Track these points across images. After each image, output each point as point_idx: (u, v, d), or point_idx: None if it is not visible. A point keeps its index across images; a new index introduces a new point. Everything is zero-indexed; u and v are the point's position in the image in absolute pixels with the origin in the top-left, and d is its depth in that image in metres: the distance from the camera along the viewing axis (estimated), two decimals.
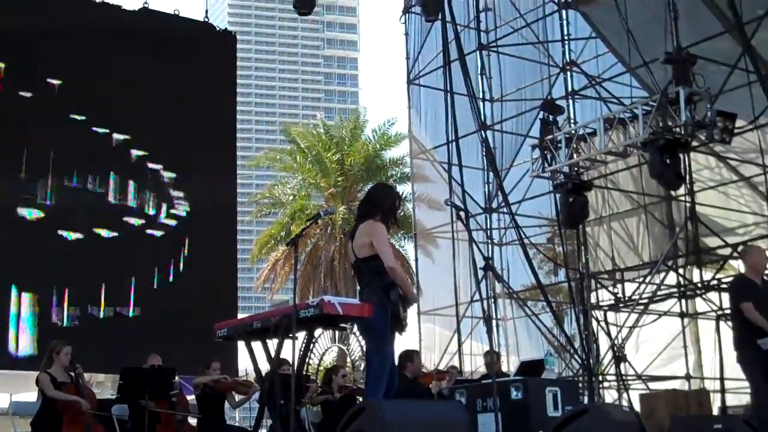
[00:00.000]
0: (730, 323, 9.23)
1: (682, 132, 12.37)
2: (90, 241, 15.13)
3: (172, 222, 16.15)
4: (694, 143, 13.73)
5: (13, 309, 14.21)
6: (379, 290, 6.45)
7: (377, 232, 6.59)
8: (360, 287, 6.80)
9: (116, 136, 15.83)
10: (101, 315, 14.90)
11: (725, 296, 12.87)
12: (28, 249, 14.52)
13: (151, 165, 16.14)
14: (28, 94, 15.01)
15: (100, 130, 15.66)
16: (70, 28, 15.24)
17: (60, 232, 14.94)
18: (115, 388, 9.13)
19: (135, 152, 16.02)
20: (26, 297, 14.37)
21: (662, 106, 12.22)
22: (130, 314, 15.19)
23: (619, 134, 13.46)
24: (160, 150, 16.17)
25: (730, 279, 13.44)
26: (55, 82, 15.33)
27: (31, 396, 9.07)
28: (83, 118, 15.43)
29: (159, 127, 16.11)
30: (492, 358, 10.70)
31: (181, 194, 16.33)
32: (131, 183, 15.87)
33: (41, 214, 14.82)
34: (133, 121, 15.86)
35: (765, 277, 8.46)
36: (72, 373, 8.60)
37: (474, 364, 16.09)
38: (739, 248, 14.29)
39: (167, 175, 16.29)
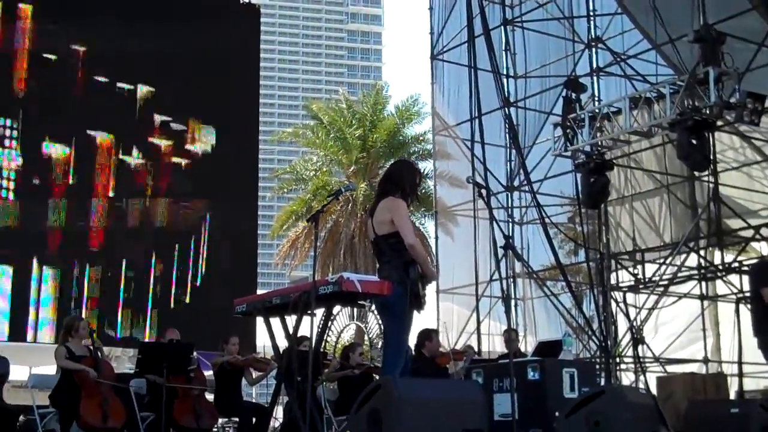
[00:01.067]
0: (749, 306, 9.15)
1: (710, 113, 12.22)
2: (111, 216, 15.20)
3: (195, 195, 16.21)
4: (719, 123, 13.58)
5: (34, 283, 14.33)
6: (398, 267, 6.42)
7: (398, 209, 6.55)
8: (379, 264, 6.77)
9: (139, 107, 15.89)
10: (121, 290, 14.99)
11: (746, 279, 12.77)
12: (51, 223, 14.61)
13: (175, 132, 16.19)
14: (53, 57, 15.10)
15: (125, 88, 15.71)
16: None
17: (81, 205, 15.02)
18: (134, 362, 9.17)
19: (158, 123, 16.07)
20: (47, 270, 14.48)
21: (691, 86, 12.06)
22: (151, 288, 15.28)
23: (643, 113, 13.33)
24: (182, 124, 16.22)
25: (751, 261, 13.36)
26: (80, 48, 15.41)
27: (50, 369, 9.13)
28: (107, 82, 15.52)
29: (182, 100, 16.16)
30: (510, 335, 10.68)
31: (203, 168, 16.38)
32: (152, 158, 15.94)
33: (63, 187, 14.91)
34: (157, 92, 15.91)
35: None
36: (91, 347, 8.65)
37: (492, 344, 16.07)
38: (762, 230, 14.19)
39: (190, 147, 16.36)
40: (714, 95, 11.83)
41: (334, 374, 10.05)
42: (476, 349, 13.67)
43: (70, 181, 15.14)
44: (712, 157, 14.72)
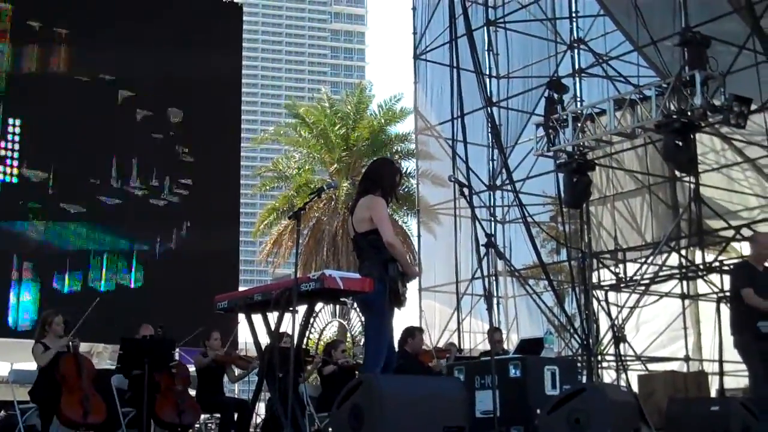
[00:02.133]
0: (729, 305, 9.21)
1: (694, 115, 12.28)
2: (92, 212, 15.15)
3: (176, 193, 16.16)
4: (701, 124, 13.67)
5: (14, 278, 14.26)
6: (378, 265, 6.43)
7: (377, 207, 6.55)
8: (359, 262, 6.78)
9: (119, 109, 15.84)
10: (102, 285, 14.95)
11: (727, 278, 12.86)
12: (30, 218, 14.55)
13: (155, 136, 16.14)
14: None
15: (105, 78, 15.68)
16: None
17: (62, 203, 14.96)
18: (114, 358, 9.13)
19: (138, 124, 16.02)
20: (27, 266, 14.41)
21: (676, 88, 12.12)
22: (132, 285, 15.24)
23: (626, 115, 13.39)
24: (164, 123, 16.18)
25: (732, 261, 13.45)
26: (63, 31, 15.36)
27: (31, 365, 9.10)
28: (88, 80, 15.46)
29: (163, 100, 16.11)
30: (494, 336, 10.72)
31: (185, 166, 16.34)
32: (135, 155, 15.88)
33: (45, 182, 14.84)
34: (137, 92, 15.87)
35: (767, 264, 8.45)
36: (71, 343, 8.62)
37: (473, 342, 16.12)
38: (742, 230, 14.29)
39: (172, 146, 16.31)
40: (700, 98, 11.89)
41: (326, 369, 10.09)
42: (459, 347, 13.70)
43: None
44: None
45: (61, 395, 8.26)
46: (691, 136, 12.88)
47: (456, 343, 14.32)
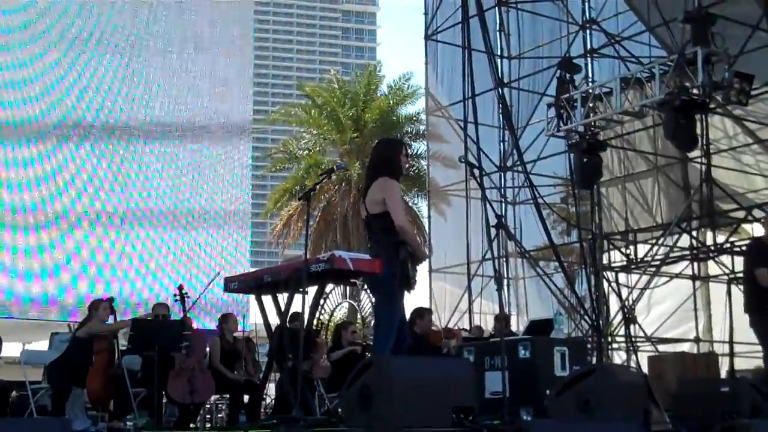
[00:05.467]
0: (741, 287, 9.18)
1: (699, 93, 12.22)
2: (102, 194, 15.21)
3: (187, 176, 16.22)
4: (712, 105, 13.57)
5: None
6: (388, 247, 6.43)
7: (391, 190, 6.54)
8: (370, 243, 6.79)
9: (133, 90, 15.88)
10: (112, 266, 15.02)
11: (738, 260, 12.82)
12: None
13: (168, 119, 16.18)
14: None
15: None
16: None
17: (78, 179, 15.03)
18: (125, 339, 9.14)
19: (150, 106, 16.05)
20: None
21: (679, 66, 12.07)
22: (141, 265, 15.31)
23: (636, 94, 13.33)
24: (175, 106, 16.21)
25: (743, 242, 13.40)
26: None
27: (41, 345, 9.14)
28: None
29: (174, 81, 16.13)
30: (500, 324, 10.70)
31: (197, 149, 16.38)
32: (149, 139, 15.93)
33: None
34: (149, 74, 15.89)
35: None
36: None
37: (484, 323, 16.11)
38: (753, 211, 14.24)
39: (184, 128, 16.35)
40: (702, 75, 11.82)
41: (333, 354, 10.12)
42: (468, 329, 13.68)
43: None
44: (704, 140, 14.71)
45: (91, 372, 8.32)
46: (696, 116, 12.78)
47: (466, 325, 14.30)
